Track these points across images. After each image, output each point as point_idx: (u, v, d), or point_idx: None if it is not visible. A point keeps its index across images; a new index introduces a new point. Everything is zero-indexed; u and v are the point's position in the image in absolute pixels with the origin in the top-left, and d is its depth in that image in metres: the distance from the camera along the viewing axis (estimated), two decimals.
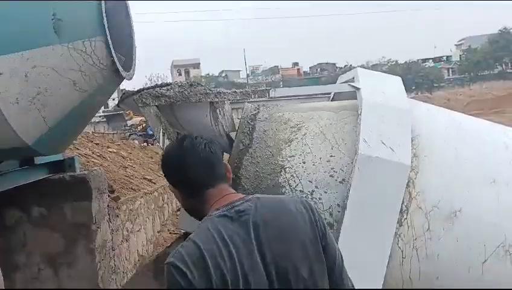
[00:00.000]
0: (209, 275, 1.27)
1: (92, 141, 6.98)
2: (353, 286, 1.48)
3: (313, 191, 2.46)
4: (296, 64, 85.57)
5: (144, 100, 2.64)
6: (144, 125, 33.71)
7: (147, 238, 5.45)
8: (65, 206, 3.62)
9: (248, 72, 75.63)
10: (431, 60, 77.42)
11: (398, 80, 2.80)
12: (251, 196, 1.46)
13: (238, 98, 2.73)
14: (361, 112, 2.49)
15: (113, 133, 25.01)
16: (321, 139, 2.55)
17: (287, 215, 1.40)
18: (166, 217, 6.75)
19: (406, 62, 71.67)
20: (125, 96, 2.85)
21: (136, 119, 35.81)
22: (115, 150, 7.29)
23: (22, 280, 3.64)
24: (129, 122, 35.75)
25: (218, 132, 2.82)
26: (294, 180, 2.48)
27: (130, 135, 28.82)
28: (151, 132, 32.09)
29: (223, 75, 77.27)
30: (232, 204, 1.40)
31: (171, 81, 2.86)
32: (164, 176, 1.58)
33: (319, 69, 79.87)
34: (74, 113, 2.65)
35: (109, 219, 4.07)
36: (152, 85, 2.79)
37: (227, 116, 2.89)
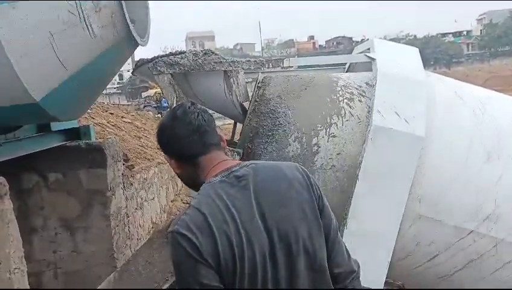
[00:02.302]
0: (215, 240, 1.28)
1: (107, 111, 7.04)
2: (348, 252, 1.49)
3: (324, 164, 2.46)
4: (311, 37, 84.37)
5: (158, 68, 2.65)
6: (158, 97, 33.91)
7: (160, 207, 5.54)
8: (81, 172, 3.69)
9: (263, 45, 74.84)
10: (451, 35, 75.67)
11: (415, 51, 2.76)
12: (247, 162, 1.48)
13: (252, 67, 2.71)
14: (376, 83, 2.47)
15: (128, 105, 25.20)
16: (336, 111, 2.54)
17: (284, 179, 1.42)
18: (180, 187, 6.83)
19: (424, 36, 70.18)
20: (140, 64, 2.86)
21: (151, 92, 35.96)
22: (129, 120, 7.35)
23: (39, 243, 3.75)
24: (144, 94, 35.95)
25: (232, 102, 2.82)
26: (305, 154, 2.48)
27: (144, 107, 28.98)
28: (165, 104, 32.26)
29: (238, 48, 76.68)
30: (230, 170, 1.42)
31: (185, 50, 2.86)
32: (160, 146, 1.59)
33: (335, 43, 78.63)
34: (85, 73, 2.65)
35: (124, 186, 4.14)
36: (166, 53, 2.79)
37: (241, 85, 2.88)
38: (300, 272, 1.34)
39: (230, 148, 2.83)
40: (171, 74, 2.66)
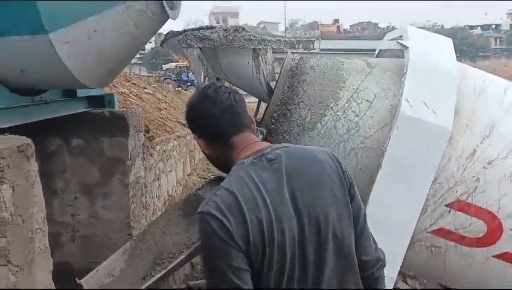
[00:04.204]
0: (246, 222, 1.27)
1: (129, 81, 7.08)
2: (375, 240, 1.49)
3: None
4: (336, 21, 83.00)
5: (188, 41, 2.64)
6: (178, 70, 33.93)
7: (177, 179, 5.60)
8: (103, 140, 3.73)
9: (287, 26, 73.95)
10: (479, 28, 73.77)
11: (449, 41, 2.70)
12: (278, 144, 1.46)
13: (282, 46, 2.69)
14: (406, 71, 2.43)
15: (148, 76, 25.26)
16: (366, 97, 2.52)
17: (316, 163, 1.40)
18: (197, 161, 6.89)
19: (452, 27, 68.55)
20: (169, 36, 2.86)
21: (172, 65, 35.97)
22: (151, 92, 7.38)
23: (59, 206, 3.83)
24: (164, 67, 35.99)
25: (259, 80, 2.80)
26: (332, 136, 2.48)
27: (164, 79, 29.04)
28: (185, 78, 32.33)
29: (262, 26, 75.89)
30: (261, 152, 1.40)
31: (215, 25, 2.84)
32: (189, 125, 1.58)
33: (359, 28, 77.32)
34: (117, 45, 2.67)
35: (143, 157, 4.18)
36: (197, 27, 2.78)
37: (269, 64, 2.86)
38: (328, 258, 1.33)
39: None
40: (200, 48, 2.65)
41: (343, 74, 2.57)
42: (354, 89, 2.51)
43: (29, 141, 2.34)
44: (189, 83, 30.29)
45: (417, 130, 2.31)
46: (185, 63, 35.07)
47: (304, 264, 1.31)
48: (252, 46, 2.65)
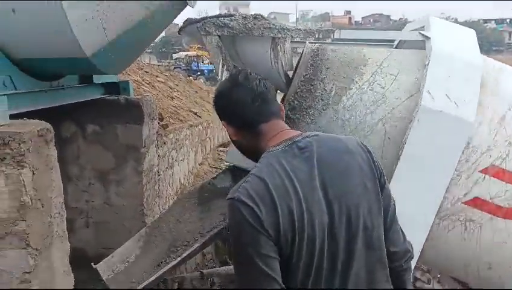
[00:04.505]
0: (276, 210, 1.25)
1: (142, 69, 7.07)
2: (403, 232, 1.48)
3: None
4: (348, 12, 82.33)
5: (206, 28, 2.62)
6: (189, 60, 33.94)
7: (188, 168, 5.61)
8: (118, 127, 3.74)
9: (298, 17, 73.47)
10: (493, 22, 72.81)
11: (472, 32, 2.65)
12: (309, 132, 1.44)
13: (302, 36, 2.66)
14: (428, 63, 2.40)
15: (158, 65, 25.25)
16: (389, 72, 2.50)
17: (347, 153, 1.39)
18: (208, 151, 6.89)
19: (466, 21, 67.73)
20: (187, 23, 2.84)
21: (182, 54, 35.97)
22: (163, 80, 7.37)
23: (73, 192, 3.85)
24: (175, 56, 35.99)
25: (277, 70, 2.78)
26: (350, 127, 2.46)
27: (174, 68, 29.04)
28: (195, 67, 32.33)
29: (272, 17, 75.56)
30: (292, 140, 1.38)
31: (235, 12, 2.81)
32: (217, 112, 1.56)
33: (371, 20, 76.62)
34: (134, 31, 2.66)
35: (157, 145, 4.19)
36: (216, 14, 2.75)
37: (287, 54, 2.83)
38: (357, 248, 1.32)
39: None
40: (219, 36, 2.63)
41: (364, 55, 2.56)
42: (377, 65, 2.49)
43: (48, 125, 2.34)
44: (198, 73, 30.30)
45: (438, 123, 2.28)
46: (195, 53, 35.09)
47: (333, 256, 1.30)
48: (272, 35, 2.63)
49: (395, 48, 3.11)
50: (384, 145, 2.36)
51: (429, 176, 2.29)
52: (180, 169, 5.15)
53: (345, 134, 2.37)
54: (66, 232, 2.52)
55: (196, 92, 9.46)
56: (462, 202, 2.37)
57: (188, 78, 11.95)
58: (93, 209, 3.87)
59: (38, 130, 2.22)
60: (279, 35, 2.63)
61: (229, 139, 1.57)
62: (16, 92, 2.56)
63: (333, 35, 2.64)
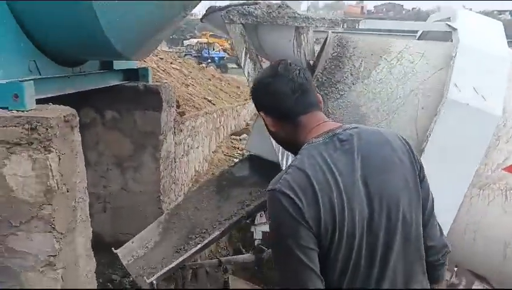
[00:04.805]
0: (318, 203, 1.25)
1: (157, 56, 7.07)
2: (440, 227, 1.47)
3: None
4: (360, 1, 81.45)
5: (230, 17, 2.61)
6: (199, 47, 33.85)
7: (203, 156, 5.63)
8: (136, 113, 3.75)
9: (309, 5, 72.79)
10: (508, 13, 71.68)
11: (499, 24, 2.62)
12: (349, 125, 1.42)
13: (326, 25, 2.64)
14: (455, 55, 2.37)
15: (169, 51, 25.20)
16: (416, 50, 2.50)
17: (387, 146, 1.37)
18: (221, 139, 6.90)
19: (480, 12, 66.78)
20: (210, 11, 2.83)
21: (193, 41, 35.88)
22: (177, 67, 7.37)
23: (91, 177, 3.87)
24: (186, 42, 35.90)
25: (299, 59, 2.77)
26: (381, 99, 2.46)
27: (185, 55, 28.97)
28: (206, 55, 32.22)
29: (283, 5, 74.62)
30: (332, 132, 1.37)
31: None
32: (255, 102, 1.54)
33: (384, 9, 75.74)
34: (157, 18, 2.65)
35: (174, 132, 4.20)
36: (240, 2, 2.73)
37: (310, 43, 2.82)
38: (396, 242, 1.31)
39: None
40: (242, 24, 2.62)
41: (389, 40, 2.55)
42: (404, 45, 2.51)
43: (74, 111, 2.36)
44: (209, 60, 30.20)
45: (464, 116, 2.25)
46: (206, 40, 34.97)
47: (372, 250, 1.29)
48: (296, 24, 2.61)
49: (418, 38, 3.09)
50: (417, 115, 2.36)
51: (453, 169, 2.28)
52: (195, 156, 5.17)
53: (377, 106, 2.39)
54: (89, 217, 2.54)
55: (209, 79, 9.46)
56: (502, 169, 2.33)
57: (200, 65, 11.93)
58: (111, 194, 3.91)
59: (64, 116, 2.23)
60: (304, 25, 2.62)
61: (267, 130, 1.55)
62: (40, 77, 2.57)
63: (358, 25, 2.62)
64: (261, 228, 3.45)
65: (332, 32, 2.75)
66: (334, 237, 1.26)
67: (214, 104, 6.55)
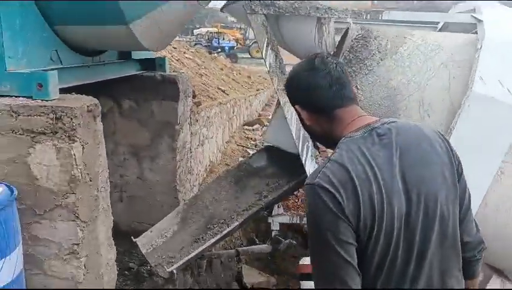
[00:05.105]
0: (358, 198, 1.23)
1: (171, 45, 7.05)
2: (476, 223, 1.46)
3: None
4: None
5: (253, 7, 2.59)
6: (209, 36, 33.74)
7: (217, 146, 5.63)
8: (153, 103, 3.75)
9: None
10: None
11: None
12: (387, 119, 1.40)
13: (349, 16, 2.61)
14: (481, 47, 2.33)
15: (179, 41, 25.13)
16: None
17: (425, 141, 1.36)
18: (234, 129, 6.90)
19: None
20: (231, 1, 2.81)
21: (203, 30, 35.76)
22: (190, 57, 7.36)
23: (108, 166, 3.90)
24: (196, 32, 35.79)
25: (320, 50, 2.75)
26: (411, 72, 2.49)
27: (195, 44, 28.89)
28: (216, 44, 32.11)
29: None
30: (371, 126, 1.35)
31: None
32: (290, 96, 1.53)
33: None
34: (183, 13, 2.65)
35: (190, 122, 4.20)
36: None
37: (331, 34, 2.80)
38: (433, 238, 1.30)
39: None
40: (264, 14, 2.60)
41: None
42: (425, 33, 2.57)
43: (96, 101, 2.37)
44: (219, 50, 30.09)
45: (489, 110, 2.23)
46: (215, 29, 34.83)
47: (409, 246, 1.28)
48: (318, 15, 2.59)
49: (439, 30, 3.05)
50: (450, 84, 2.37)
51: (478, 163, 2.25)
52: (209, 147, 5.18)
53: (407, 79, 2.41)
54: (110, 206, 2.56)
55: (221, 69, 9.44)
56: None
57: (211, 55, 11.90)
58: (127, 184, 3.93)
59: (87, 106, 2.25)
60: (326, 16, 2.59)
61: (302, 124, 1.53)
62: (62, 66, 2.58)
63: (381, 16, 2.59)
64: (278, 219, 3.46)
65: (354, 23, 2.73)
66: (373, 233, 1.25)
67: (227, 94, 6.54)
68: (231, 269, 4.80)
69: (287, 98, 2.46)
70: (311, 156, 2.63)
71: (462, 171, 1.40)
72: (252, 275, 4.73)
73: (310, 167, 2.64)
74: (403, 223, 1.27)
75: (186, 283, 3.69)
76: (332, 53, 2.77)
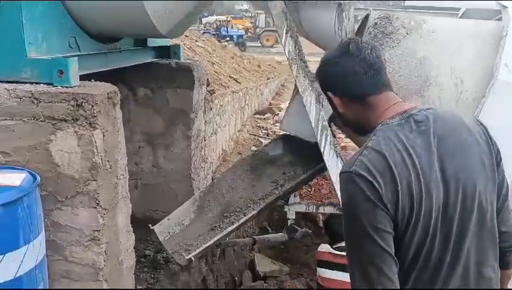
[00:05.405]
0: (396, 186, 1.20)
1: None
2: None
3: None
4: None
5: None
6: (218, 24, 33.59)
7: (229, 135, 5.62)
8: (168, 91, 3.74)
9: None
10: None
11: None
12: (424, 106, 1.36)
13: (369, 2, 2.58)
14: (506, 34, 2.29)
15: (190, 29, 24.99)
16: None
17: (464, 129, 1.32)
18: (246, 118, 6.88)
19: None
20: None
21: (211, 18, 35.56)
22: (202, 45, 7.32)
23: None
24: (204, 20, 35.63)
25: (340, 37, 2.71)
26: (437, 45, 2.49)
27: (203, 33, 28.77)
28: (224, 33, 31.98)
29: None
30: (407, 112, 1.31)
31: None
32: (323, 83, 1.48)
33: None
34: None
35: (204, 110, 4.19)
36: None
37: (351, 21, 2.76)
38: (471, 227, 1.27)
39: None
40: (284, 1, 2.57)
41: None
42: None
43: (116, 88, 2.36)
44: (227, 38, 29.96)
45: None
46: (224, 18, 34.66)
47: (446, 235, 1.25)
48: (339, 1, 2.55)
49: (460, 17, 2.99)
50: (480, 57, 2.36)
51: (502, 150, 2.22)
52: (222, 135, 5.17)
53: (436, 49, 2.41)
54: (129, 194, 2.57)
55: (232, 57, 9.40)
56: None
57: (221, 43, 11.84)
58: (142, 171, 3.94)
59: (108, 93, 2.24)
60: (347, 1, 2.56)
61: (334, 111, 1.50)
62: (80, 53, 2.57)
63: (404, 3, 2.55)
64: (294, 207, 3.46)
65: (374, 9, 2.69)
66: (410, 222, 1.22)
67: (239, 83, 6.51)
68: (244, 257, 4.82)
69: (306, 86, 2.45)
70: (330, 144, 2.62)
71: (501, 160, 1.37)
72: (264, 264, 4.75)
73: (328, 156, 2.62)
74: (440, 213, 1.24)
75: (201, 270, 3.71)
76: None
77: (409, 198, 1.21)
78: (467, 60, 2.36)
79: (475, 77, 2.32)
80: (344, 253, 2.39)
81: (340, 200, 1.32)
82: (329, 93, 1.43)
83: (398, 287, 1.22)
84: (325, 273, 2.44)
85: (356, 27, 2.82)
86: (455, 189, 1.25)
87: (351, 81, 1.36)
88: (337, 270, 2.40)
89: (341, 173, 1.28)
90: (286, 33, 2.59)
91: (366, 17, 2.66)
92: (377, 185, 1.21)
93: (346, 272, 1.75)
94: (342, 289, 2.34)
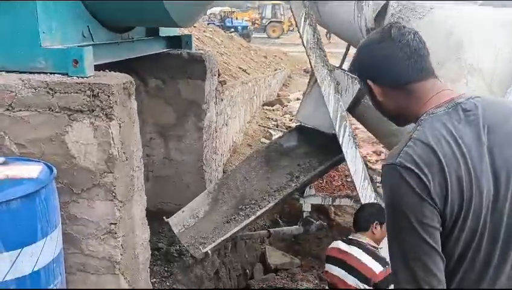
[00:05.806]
0: (445, 180, 1.14)
1: None
2: None
3: None
4: None
5: None
6: (223, 15, 33.40)
7: (239, 126, 5.57)
8: (180, 82, 3.68)
9: None
10: None
11: None
12: (471, 94, 1.28)
13: None
14: None
15: None
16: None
17: None
18: (255, 109, 6.82)
19: None
20: None
21: (216, 9, 35.36)
22: (210, 36, 7.25)
23: None
24: (208, 11, 35.40)
25: (359, 26, 2.65)
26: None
27: (208, 24, 28.58)
28: (229, 24, 31.81)
29: None
30: (455, 101, 1.24)
31: None
32: (361, 70, 1.40)
33: None
34: None
35: (216, 101, 4.13)
36: None
37: (370, 10, 2.69)
38: None
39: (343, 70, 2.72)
40: None
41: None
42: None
43: (131, 78, 2.31)
44: (232, 29, 29.78)
45: None
46: (229, 9, 34.43)
47: (495, 231, 1.19)
48: None
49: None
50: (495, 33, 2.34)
51: None
52: (232, 126, 5.11)
53: (463, 17, 2.43)
54: (144, 186, 2.52)
55: (239, 48, 9.32)
56: None
57: (228, 34, 11.75)
58: (153, 163, 3.89)
59: (123, 83, 2.19)
60: None
61: (372, 100, 1.42)
62: (94, 43, 2.52)
63: None
64: (310, 200, 3.41)
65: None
66: (460, 217, 1.15)
67: (248, 74, 6.44)
68: (255, 250, 4.79)
69: (325, 75, 2.38)
70: (349, 135, 2.56)
71: None
72: (276, 256, 4.72)
73: (347, 147, 2.57)
74: (490, 207, 1.18)
75: (214, 263, 3.68)
76: (371, 28, 2.67)
77: (459, 192, 1.14)
78: (488, 38, 2.34)
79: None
80: (348, 250, 2.35)
81: (383, 193, 1.25)
82: (369, 81, 1.35)
83: (445, 287, 1.16)
84: (330, 268, 2.42)
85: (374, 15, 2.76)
86: (505, 183, 1.17)
87: (393, 68, 1.28)
88: (338, 266, 2.38)
89: (384, 165, 1.21)
90: (304, 21, 2.52)
91: (385, 6, 2.60)
92: (424, 178, 1.14)
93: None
94: (344, 288, 2.32)
